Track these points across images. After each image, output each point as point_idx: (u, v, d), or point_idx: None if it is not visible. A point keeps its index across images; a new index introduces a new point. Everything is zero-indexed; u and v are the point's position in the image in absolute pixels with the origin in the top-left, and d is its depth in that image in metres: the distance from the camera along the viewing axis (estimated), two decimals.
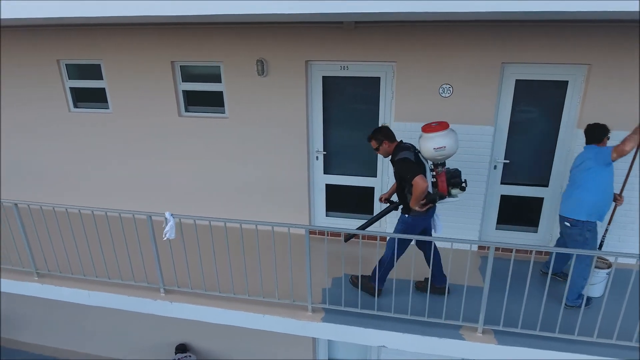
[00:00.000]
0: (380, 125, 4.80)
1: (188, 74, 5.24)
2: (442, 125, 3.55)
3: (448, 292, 3.91)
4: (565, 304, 3.75)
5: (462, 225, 4.90)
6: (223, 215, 3.97)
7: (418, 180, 3.43)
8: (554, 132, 4.55)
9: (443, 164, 3.68)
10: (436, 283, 3.99)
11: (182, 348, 6.71)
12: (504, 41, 4.19)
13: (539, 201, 4.85)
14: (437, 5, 2.99)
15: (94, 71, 5.47)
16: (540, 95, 4.49)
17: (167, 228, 3.84)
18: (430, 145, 3.53)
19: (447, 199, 3.73)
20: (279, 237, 3.97)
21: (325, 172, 5.32)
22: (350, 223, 5.33)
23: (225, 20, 4.56)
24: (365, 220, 4.16)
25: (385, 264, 3.90)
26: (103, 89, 5.52)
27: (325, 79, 4.88)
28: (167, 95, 5.26)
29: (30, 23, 4.79)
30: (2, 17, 3.77)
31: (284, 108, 4.96)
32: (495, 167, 4.80)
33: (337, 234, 4.68)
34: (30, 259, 4.51)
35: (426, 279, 4.05)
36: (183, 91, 5.30)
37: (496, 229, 5.07)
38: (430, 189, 3.64)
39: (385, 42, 4.43)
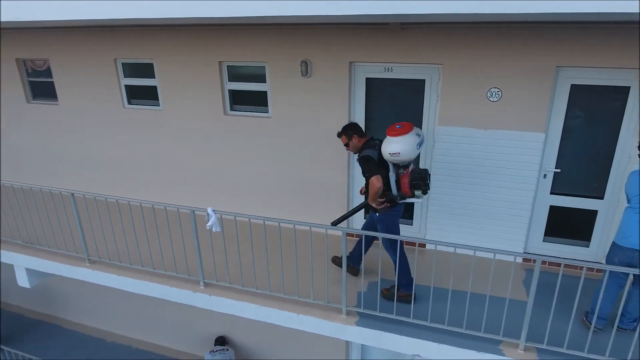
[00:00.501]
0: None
1: (234, 74, 5.38)
2: (403, 129, 3.48)
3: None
4: (618, 327, 3.50)
5: (506, 235, 4.69)
6: (262, 213, 4.04)
7: (373, 180, 3.56)
8: (612, 140, 4.25)
9: (406, 166, 3.64)
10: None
11: (221, 340, 6.82)
12: (560, 44, 3.96)
13: (592, 214, 4.55)
14: (487, 6, 2.86)
15: (147, 70, 5.75)
16: (598, 101, 4.21)
17: (209, 223, 3.98)
18: (386, 150, 3.55)
19: (410, 199, 3.69)
20: (316, 237, 3.98)
21: None
22: None
23: (271, 22, 4.63)
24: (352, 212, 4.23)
25: (401, 266, 3.84)
26: (155, 87, 5.78)
27: (368, 80, 4.84)
28: (214, 94, 5.42)
29: (89, 24, 5.10)
30: (68, 19, 4.04)
31: (326, 109, 4.97)
32: (545, 176, 4.56)
33: (375, 238, 4.62)
34: (83, 246, 4.80)
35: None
36: (229, 90, 5.44)
37: (543, 241, 4.81)
38: (394, 189, 3.65)
39: (432, 43, 4.33)
